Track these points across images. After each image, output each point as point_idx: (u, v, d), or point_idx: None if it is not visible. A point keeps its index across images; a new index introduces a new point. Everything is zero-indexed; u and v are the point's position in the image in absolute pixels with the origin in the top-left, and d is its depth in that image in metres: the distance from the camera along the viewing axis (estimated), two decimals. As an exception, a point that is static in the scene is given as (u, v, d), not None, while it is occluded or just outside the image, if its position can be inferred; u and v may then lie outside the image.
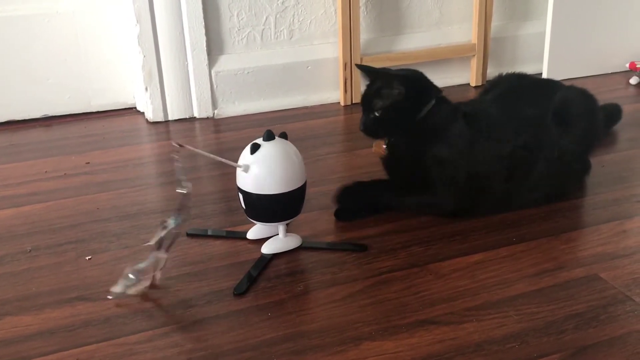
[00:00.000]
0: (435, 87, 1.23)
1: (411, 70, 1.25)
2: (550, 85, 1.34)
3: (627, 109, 1.77)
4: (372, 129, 1.21)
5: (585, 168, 1.33)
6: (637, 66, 2.02)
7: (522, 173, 1.21)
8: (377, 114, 1.19)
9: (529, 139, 1.21)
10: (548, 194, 1.25)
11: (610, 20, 2.00)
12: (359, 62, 1.84)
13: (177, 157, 1.00)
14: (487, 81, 1.39)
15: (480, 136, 1.19)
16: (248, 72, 1.81)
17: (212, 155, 1.07)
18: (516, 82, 1.34)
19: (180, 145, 1.00)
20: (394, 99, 1.18)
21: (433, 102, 1.19)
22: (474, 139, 1.19)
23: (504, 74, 1.37)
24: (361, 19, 1.86)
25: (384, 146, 1.23)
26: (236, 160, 1.08)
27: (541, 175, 1.22)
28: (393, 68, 1.27)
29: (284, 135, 1.08)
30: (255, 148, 1.05)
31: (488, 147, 1.19)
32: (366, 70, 1.24)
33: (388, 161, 1.24)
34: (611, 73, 2.06)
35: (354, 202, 1.23)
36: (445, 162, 1.18)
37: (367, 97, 1.22)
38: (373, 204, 1.23)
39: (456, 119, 1.20)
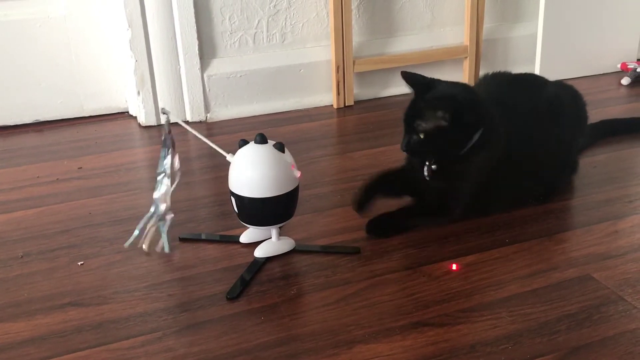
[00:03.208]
0: (486, 107, 1.14)
1: (461, 87, 1.16)
2: (537, 79, 1.34)
3: (618, 109, 1.78)
4: (415, 151, 1.12)
5: (574, 166, 1.34)
6: (629, 67, 2.03)
7: (533, 169, 1.22)
8: (420, 137, 1.09)
9: (535, 134, 1.21)
10: (546, 190, 1.26)
11: (602, 21, 2.01)
12: (351, 65, 1.85)
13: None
14: (475, 82, 1.38)
15: (508, 142, 1.17)
16: (240, 76, 1.81)
17: (205, 140, 1.08)
18: (503, 80, 1.34)
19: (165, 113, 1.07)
20: (438, 124, 1.08)
21: (482, 128, 1.10)
22: (493, 145, 1.15)
23: (490, 73, 1.37)
24: (353, 22, 1.86)
25: (425, 168, 1.15)
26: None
27: (545, 170, 1.23)
28: (440, 80, 1.15)
29: (279, 147, 1.06)
30: (243, 144, 1.06)
31: (513, 151, 1.18)
32: (413, 80, 1.13)
33: (424, 182, 1.16)
34: (603, 74, 2.07)
35: (383, 233, 1.17)
36: (467, 177, 1.16)
37: (410, 114, 1.11)
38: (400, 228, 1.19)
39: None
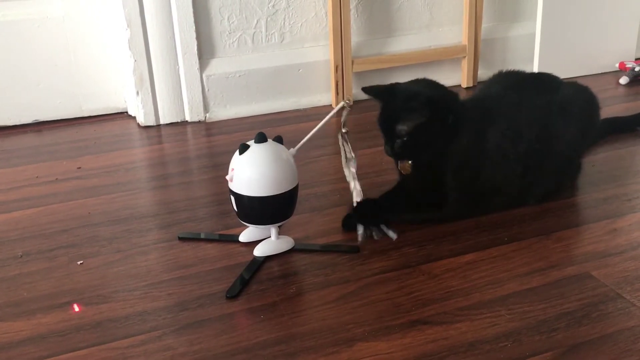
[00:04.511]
0: (450, 93, 1.19)
1: (423, 82, 1.20)
2: (552, 79, 1.34)
3: (617, 108, 1.78)
4: (400, 154, 1.15)
5: (578, 166, 1.34)
6: (627, 66, 2.03)
7: (535, 168, 1.21)
8: (404, 139, 1.13)
9: (540, 133, 1.21)
10: (548, 191, 1.26)
11: (600, 20, 2.02)
12: (350, 65, 1.85)
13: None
14: (489, 78, 1.38)
15: (498, 135, 1.18)
16: (239, 76, 1.81)
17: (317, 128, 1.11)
18: (519, 77, 1.34)
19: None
20: (417, 122, 1.12)
21: (451, 115, 1.13)
22: (493, 140, 1.17)
23: (504, 70, 1.37)
24: (352, 22, 1.86)
25: (409, 163, 1.17)
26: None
27: (548, 170, 1.23)
28: (399, 82, 1.20)
29: (278, 139, 1.07)
30: (244, 148, 1.05)
31: (506, 146, 1.18)
32: (375, 91, 1.17)
33: (412, 178, 1.19)
34: (601, 73, 2.08)
35: (370, 223, 1.16)
36: (465, 171, 1.16)
37: (386, 122, 1.15)
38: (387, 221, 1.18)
39: (478, 123, 1.17)
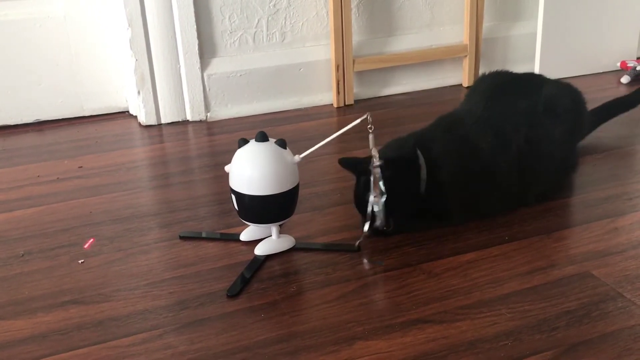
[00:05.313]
0: (411, 138, 1.18)
1: (387, 146, 1.20)
2: (535, 79, 1.35)
3: (618, 107, 1.78)
4: (387, 214, 1.12)
5: (573, 165, 1.34)
6: (628, 65, 2.03)
7: (528, 169, 1.21)
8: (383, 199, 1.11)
9: (528, 133, 1.21)
10: (545, 190, 1.26)
11: (601, 19, 2.02)
12: (351, 64, 1.85)
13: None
14: (473, 82, 1.38)
15: (481, 144, 1.18)
16: (240, 75, 1.81)
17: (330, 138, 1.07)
18: (501, 79, 1.35)
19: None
20: (388, 181, 1.10)
21: (419, 153, 1.13)
22: (475, 150, 1.17)
23: (487, 73, 1.38)
24: (353, 21, 1.86)
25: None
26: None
27: (542, 170, 1.23)
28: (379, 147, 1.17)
29: (281, 143, 1.06)
30: (243, 143, 1.07)
31: (492, 154, 1.18)
32: (347, 165, 1.20)
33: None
34: (602, 72, 2.08)
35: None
36: (454, 185, 1.16)
37: (358, 198, 1.14)
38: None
39: (449, 144, 1.18)
